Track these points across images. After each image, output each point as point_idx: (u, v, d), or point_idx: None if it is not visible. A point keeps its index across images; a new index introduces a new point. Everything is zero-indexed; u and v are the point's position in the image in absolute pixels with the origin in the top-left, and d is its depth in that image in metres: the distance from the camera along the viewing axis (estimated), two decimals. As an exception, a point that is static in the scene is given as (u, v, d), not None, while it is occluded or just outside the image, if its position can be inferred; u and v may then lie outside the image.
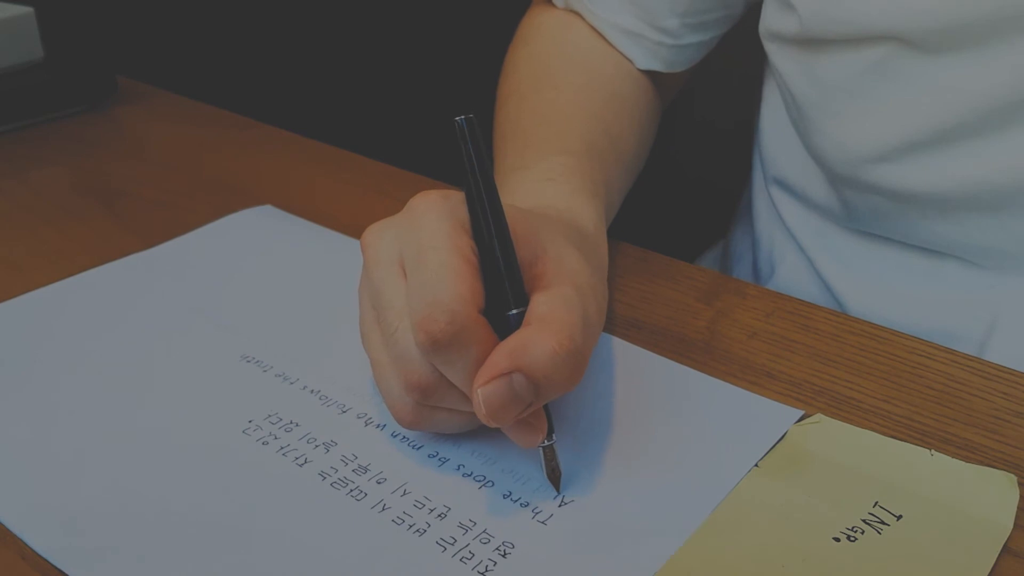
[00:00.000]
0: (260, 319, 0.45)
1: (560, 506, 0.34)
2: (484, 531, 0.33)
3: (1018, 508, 0.34)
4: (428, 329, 0.32)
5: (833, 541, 0.33)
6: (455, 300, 0.32)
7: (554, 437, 0.35)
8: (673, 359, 0.42)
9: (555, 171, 0.46)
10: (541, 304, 0.33)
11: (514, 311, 0.33)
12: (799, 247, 0.58)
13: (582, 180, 0.46)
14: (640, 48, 0.56)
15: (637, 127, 0.56)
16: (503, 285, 0.34)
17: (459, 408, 0.35)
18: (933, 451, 0.37)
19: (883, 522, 0.33)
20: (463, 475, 0.36)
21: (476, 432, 0.37)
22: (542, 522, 0.34)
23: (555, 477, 0.35)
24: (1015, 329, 0.48)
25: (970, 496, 0.35)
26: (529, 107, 0.53)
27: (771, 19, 0.52)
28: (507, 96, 0.56)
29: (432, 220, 0.34)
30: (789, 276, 0.58)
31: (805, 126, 0.52)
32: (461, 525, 0.34)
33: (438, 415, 0.36)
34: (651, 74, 0.58)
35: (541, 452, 0.35)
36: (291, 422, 0.39)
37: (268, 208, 0.56)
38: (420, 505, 0.35)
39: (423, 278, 0.33)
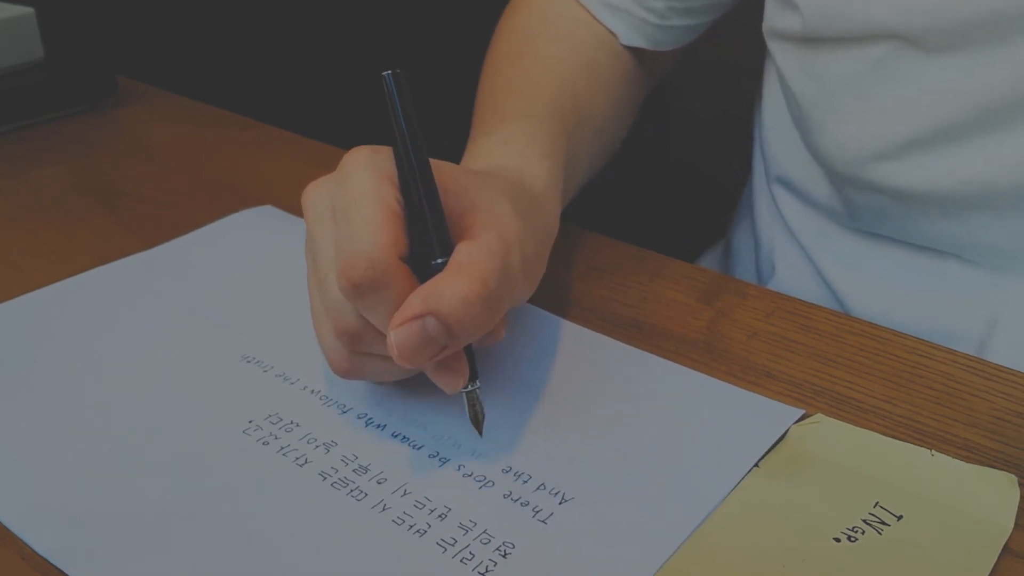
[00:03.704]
0: (260, 319, 0.45)
1: (560, 505, 0.34)
2: (484, 531, 0.33)
3: (1018, 508, 0.34)
4: (348, 275, 0.33)
5: (833, 541, 0.33)
6: (375, 247, 0.33)
7: (478, 383, 0.36)
8: (673, 359, 0.42)
9: (512, 135, 0.47)
10: (462, 252, 0.34)
11: (438, 260, 0.35)
12: (800, 247, 0.58)
13: (539, 142, 0.47)
14: (625, 23, 0.56)
15: (610, 97, 0.56)
16: (428, 235, 0.35)
17: (387, 354, 0.36)
18: (933, 451, 0.37)
19: (883, 522, 0.33)
20: (463, 475, 0.36)
21: (476, 433, 0.37)
22: (542, 522, 0.34)
23: (478, 421, 0.36)
24: (1015, 329, 0.48)
25: (970, 496, 0.35)
26: (504, 77, 0.54)
27: (773, 17, 0.52)
28: (488, 67, 0.57)
29: (359, 174, 0.35)
30: (790, 276, 0.58)
31: (806, 125, 0.52)
32: (461, 526, 0.34)
33: (370, 363, 0.37)
34: (636, 51, 0.58)
35: (464, 397, 0.36)
36: (291, 422, 0.39)
37: (268, 208, 0.56)
38: (420, 505, 0.34)
39: (348, 228, 0.34)
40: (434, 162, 0.36)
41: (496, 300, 0.34)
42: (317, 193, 0.37)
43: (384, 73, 0.36)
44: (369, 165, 0.35)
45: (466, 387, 0.36)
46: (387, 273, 0.33)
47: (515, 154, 0.45)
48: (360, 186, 0.35)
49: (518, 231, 0.37)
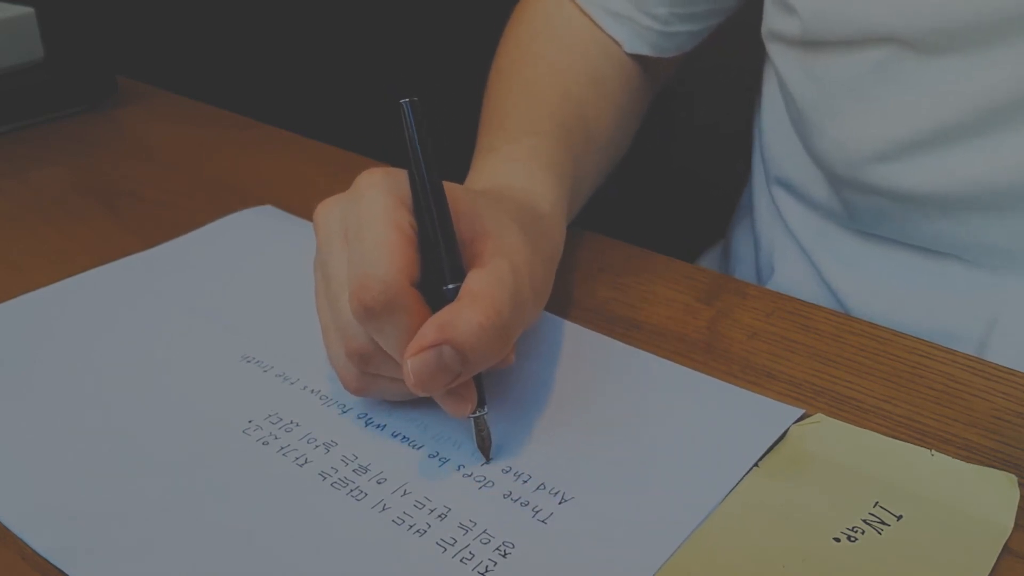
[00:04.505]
0: (260, 319, 0.45)
1: (560, 504, 0.34)
2: (484, 531, 0.33)
3: (1018, 508, 0.34)
4: (361, 298, 0.33)
5: (833, 541, 0.33)
6: (388, 271, 0.33)
7: (485, 408, 0.36)
8: (673, 359, 0.42)
9: (520, 152, 0.47)
10: (474, 280, 0.34)
11: (450, 286, 0.35)
12: (800, 247, 0.58)
13: (546, 161, 0.47)
14: (629, 31, 0.56)
15: (616, 110, 0.56)
16: (440, 260, 0.35)
17: (397, 376, 0.36)
18: (933, 451, 0.37)
19: (883, 522, 0.33)
20: (463, 475, 0.36)
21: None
22: (542, 521, 0.34)
23: (485, 447, 0.36)
24: (1015, 329, 0.48)
25: (970, 496, 0.35)
26: (509, 88, 0.54)
27: (772, 20, 0.52)
28: (494, 77, 0.57)
29: (373, 196, 0.35)
30: (790, 276, 0.58)
31: (806, 127, 0.52)
32: (461, 525, 0.34)
33: (380, 383, 0.37)
34: (640, 59, 0.58)
35: (472, 422, 0.36)
36: (291, 422, 0.39)
37: (268, 208, 0.56)
38: (420, 505, 0.34)
39: (360, 250, 0.34)
40: (445, 184, 0.36)
41: (509, 328, 0.34)
42: (330, 211, 0.37)
43: (402, 101, 0.36)
44: (383, 187, 0.35)
45: (474, 413, 0.36)
46: (399, 297, 0.33)
47: (522, 174, 0.45)
48: (373, 207, 0.35)
49: (527, 257, 0.37)
